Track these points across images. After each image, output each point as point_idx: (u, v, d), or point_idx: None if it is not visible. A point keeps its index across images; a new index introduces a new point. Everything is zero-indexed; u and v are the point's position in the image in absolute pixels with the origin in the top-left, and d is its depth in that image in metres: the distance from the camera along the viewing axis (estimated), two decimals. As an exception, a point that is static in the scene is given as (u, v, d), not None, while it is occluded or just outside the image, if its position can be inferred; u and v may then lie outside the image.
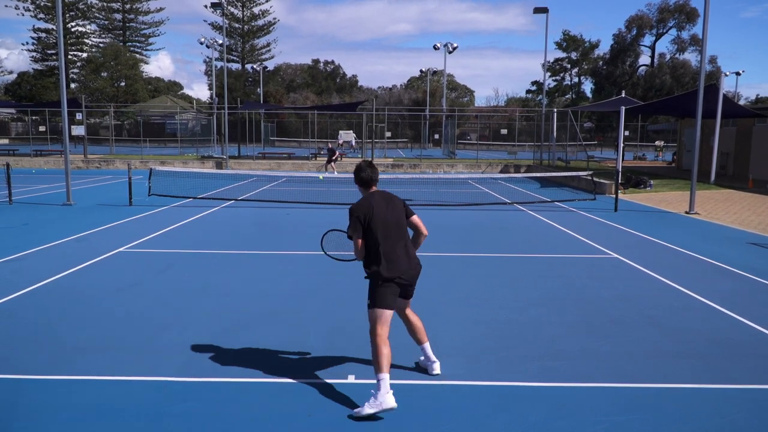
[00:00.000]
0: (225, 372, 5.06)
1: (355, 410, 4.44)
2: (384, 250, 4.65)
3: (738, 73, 59.00)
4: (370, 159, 21.35)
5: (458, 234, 12.06)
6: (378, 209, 4.72)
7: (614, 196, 16.75)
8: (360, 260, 4.83)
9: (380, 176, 5.15)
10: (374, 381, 4.48)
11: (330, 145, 29.83)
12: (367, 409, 4.36)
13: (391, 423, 4.26)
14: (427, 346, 5.07)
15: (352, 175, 5.01)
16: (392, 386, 4.65)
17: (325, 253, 5.36)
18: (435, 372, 5.03)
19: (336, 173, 23.55)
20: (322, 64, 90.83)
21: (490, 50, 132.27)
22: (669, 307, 7.13)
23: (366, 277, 4.75)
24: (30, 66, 71.07)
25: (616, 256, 10.05)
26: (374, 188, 4.92)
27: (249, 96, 69.53)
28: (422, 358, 5.17)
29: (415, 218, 4.94)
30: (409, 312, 5.07)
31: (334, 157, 27.71)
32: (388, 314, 4.62)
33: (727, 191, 20.21)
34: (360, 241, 4.69)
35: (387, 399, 4.38)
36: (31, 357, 5.35)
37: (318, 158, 35.01)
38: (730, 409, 4.52)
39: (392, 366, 5.17)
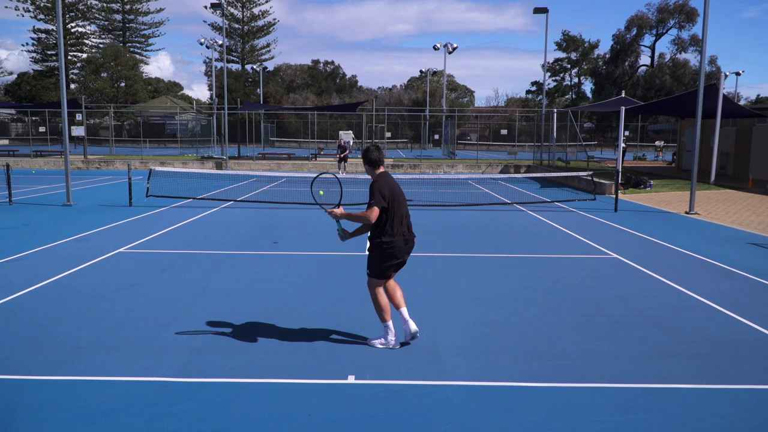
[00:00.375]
0: (225, 372, 5.06)
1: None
2: (397, 223, 5.31)
3: (738, 73, 58.93)
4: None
5: (458, 234, 12.06)
6: (395, 187, 5.39)
7: (614, 196, 16.75)
8: (345, 221, 5.50)
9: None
10: (376, 380, 4.81)
11: (342, 142, 29.27)
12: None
13: (392, 423, 4.26)
14: (404, 310, 5.48)
15: (355, 177, 5.21)
16: (392, 386, 4.74)
17: (312, 190, 6.01)
18: (413, 329, 5.46)
19: (344, 174, 23.29)
20: (321, 65, 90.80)
21: (489, 50, 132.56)
22: (669, 307, 7.13)
23: (373, 245, 5.37)
24: (30, 67, 71.14)
25: (616, 256, 10.05)
26: (382, 169, 5.50)
27: (249, 96, 69.50)
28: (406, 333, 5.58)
29: None
30: (391, 282, 5.54)
31: (344, 154, 27.29)
32: (384, 282, 5.51)
33: (727, 191, 20.21)
34: (378, 209, 5.22)
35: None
36: (31, 357, 5.35)
37: (318, 159, 35.00)
38: (730, 409, 4.51)
39: (392, 365, 5.20)
